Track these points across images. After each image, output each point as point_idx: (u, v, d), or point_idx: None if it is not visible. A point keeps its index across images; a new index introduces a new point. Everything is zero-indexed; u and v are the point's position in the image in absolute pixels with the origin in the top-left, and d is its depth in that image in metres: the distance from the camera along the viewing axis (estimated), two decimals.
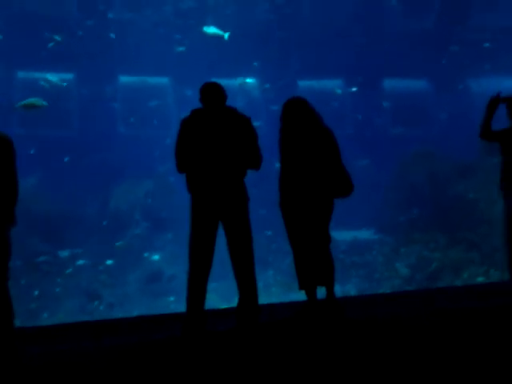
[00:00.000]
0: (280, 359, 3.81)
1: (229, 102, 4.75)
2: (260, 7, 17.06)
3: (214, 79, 4.93)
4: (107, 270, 12.85)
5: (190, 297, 4.52)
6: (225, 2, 16.51)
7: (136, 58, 15.85)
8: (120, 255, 13.14)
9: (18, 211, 3.87)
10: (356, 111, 17.99)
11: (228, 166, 4.55)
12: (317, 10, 17.22)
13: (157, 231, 14.23)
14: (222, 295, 9.67)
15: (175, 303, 10.97)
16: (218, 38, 14.80)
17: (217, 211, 4.58)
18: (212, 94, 4.64)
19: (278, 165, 4.87)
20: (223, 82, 4.83)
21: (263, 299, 4.73)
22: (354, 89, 17.73)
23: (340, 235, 11.45)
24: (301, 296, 4.95)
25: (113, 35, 15.82)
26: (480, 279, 11.37)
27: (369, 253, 13.68)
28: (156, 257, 13.45)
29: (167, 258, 13.37)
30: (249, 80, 17.58)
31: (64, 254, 13.12)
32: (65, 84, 15.63)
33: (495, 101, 5.33)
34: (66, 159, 15.44)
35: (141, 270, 13.06)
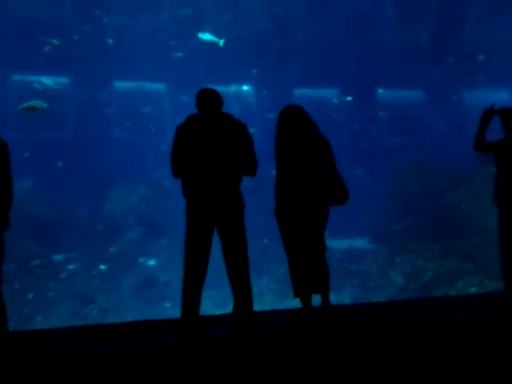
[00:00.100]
0: (274, 366, 3.80)
1: (224, 109, 4.77)
2: (257, 16, 17.16)
3: (210, 86, 4.94)
4: (101, 274, 12.80)
5: (185, 302, 4.50)
6: (222, 10, 16.58)
7: (132, 64, 15.87)
8: (114, 260, 13.09)
9: (13, 214, 3.87)
10: (352, 121, 18.06)
11: (224, 171, 4.56)
12: (314, 20, 17.33)
13: (151, 236, 14.20)
14: (216, 303, 9.64)
15: (172, 309, 10.91)
16: (214, 45, 14.85)
17: (212, 217, 4.57)
18: (208, 100, 4.66)
19: (274, 172, 4.89)
20: (219, 88, 4.86)
21: (257, 307, 4.72)
22: (350, 98, 17.82)
23: (335, 244, 11.47)
24: (295, 303, 4.95)
25: (110, 40, 15.83)
26: (474, 289, 11.40)
27: (363, 261, 13.71)
28: (152, 262, 13.42)
29: (162, 263, 13.33)
30: (244, 87, 17.64)
31: (58, 258, 13.07)
32: (59, 87, 15.61)
33: (489, 113, 5.40)
34: (59, 163, 15.38)
35: (135, 276, 13.01)
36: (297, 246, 4.77)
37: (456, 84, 18.37)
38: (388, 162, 15.73)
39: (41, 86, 15.08)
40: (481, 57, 17.58)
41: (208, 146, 4.54)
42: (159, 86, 17.78)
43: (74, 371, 3.82)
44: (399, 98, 18.74)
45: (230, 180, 4.60)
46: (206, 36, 14.99)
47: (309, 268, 4.75)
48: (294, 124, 4.78)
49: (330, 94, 18.27)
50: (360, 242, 14.52)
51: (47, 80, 15.50)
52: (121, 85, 17.45)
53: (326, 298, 4.78)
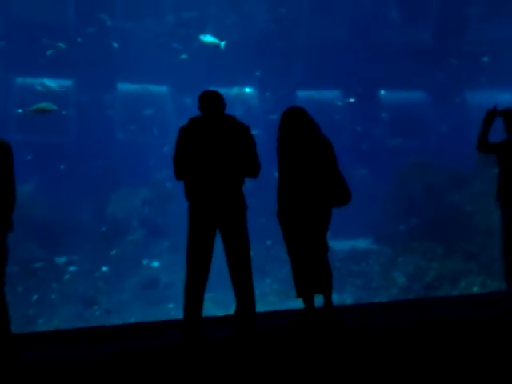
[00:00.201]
0: (277, 367, 3.81)
1: (227, 111, 4.77)
2: (260, 18, 17.17)
3: (212, 88, 4.95)
4: (104, 276, 12.82)
5: (188, 304, 4.51)
6: (226, 12, 16.61)
7: (135, 66, 15.89)
8: (117, 262, 13.10)
9: (16, 217, 3.87)
10: (354, 122, 18.05)
11: (226, 173, 4.56)
12: (317, 21, 17.34)
13: (154, 238, 14.21)
14: (219, 304, 9.65)
15: (175, 310, 10.91)
16: (217, 47, 14.87)
17: (215, 218, 4.58)
18: (211, 102, 4.66)
19: (276, 174, 4.89)
20: (222, 90, 4.86)
21: (259, 307, 4.73)
22: (352, 99, 17.82)
23: (338, 244, 11.45)
24: (298, 304, 4.95)
25: (115, 44, 15.87)
26: (476, 289, 11.39)
27: (366, 262, 13.69)
28: (155, 264, 13.44)
29: (164, 265, 13.34)
30: (247, 89, 17.65)
31: (60, 260, 13.08)
32: (62, 90, 15.65)
33: (492, 114, 5.41)
34: (62, 166, 15.41)
35: (138, 277, 13.02)
36: (299, 247, 4.77)
37: (459, 85, 18.34)
38: (390, 163, 15.72)
39: (43, 88, 15.11)
40: (485, 58, 17.57)
41: (210, 148, 4.55)
42: (162, 89, 17.80)
43: (78, 373, 3.83)
44: (402, 100, 18.72)
45: (232, 182, 4.60)
46: (208, 38, 15.01)
47: (311, 269, 4.75)
48: (296, 126, 4.78)
49: (332, 95, 18.26)
50: (362, 243, 14.50)
51: (50, 82, 15.54)
52: (124, 87, 17.48)
53: (328, 299, 4.79)
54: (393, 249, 13.98)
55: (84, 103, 16.64)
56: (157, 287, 12.83)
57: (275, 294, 11.84)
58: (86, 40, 15.90)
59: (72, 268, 12.79)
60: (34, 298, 11.63)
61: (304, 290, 4.79)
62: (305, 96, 17.08)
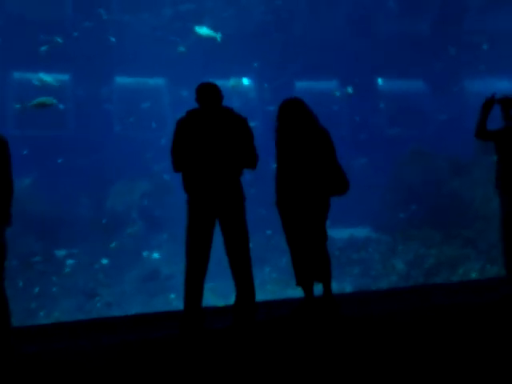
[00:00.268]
0: (277, 356, 3.82)
1: (224, 103, 4.76)
2: (257, 9, 17.09)
3: (209, 80, 4.94)
4: (104, 269, 12.84)
5: (188, 295, 4.53)
6: (222, 5, 16.53)
7: (132, 60, 15.82)
8: (117, 255, 13.13)
9: (14, 211, 3.87)
10: (352, 112, 18.02)
11: (224, 165, 4.57)
12: (314, 11, 17.26)
13: (153, 230, 14.23)
14: (218, 294, 9.67)
15: (176, 300, 10.94)
16: (213, 39, 14.79)
17: (213, 210, 4.59)
18: (208, 94, 4.65)
19: (274, 165, 4.89)
20: (219, 82, 4.85)
21: (259, 296, 4.75)
22: (350, 89, 17.77)
23: (337, 233, 11.48)
24: (297, 292, 4.97)
25: (113, 38, 15.80)
26: (475, 275, 11.43)
27: (365, 250, 13.72)
28: (156, 255, 13.48)
29: (165, 256, 13.38)
30: (245, 80, 17.59)
31: (60, 253, 13.09)
32: (59, 84, 15.59)
33: (490, 102, 5.42)
34: (60, 160, 15.40)
35: (139, 269, 13.05)
36: (298, 236, 4.79)
37: (457, 74, 18.31)
38: (389, 152, 15.74)
39: (39, 83, 15.06)
40: (485, 46, 17.52)
41: (208, 140, 4.55)
42: (159, 81, 17.76)
43: (79, 365, 3.84)
44: (400, 89, 18.69)
45: (230, 173, 4.61)
46: (203, 30, 14.92)
47: (310, 257, 4.77)
48: (294, 116, 4.78)
49: (330, 85, 18.22)
50: (362, 231, 14.52)
51: (46, 77, 15.48)
52: (121, 80, 17.43)
53: (327, 287, 4.80)
54: (392, 237, 14.00)
55: (81, 97, 16.60)
56: (158, 279, 12.87)
57: (275, 282, 11.87)
58: (82, 34, 15.81)
59: (72, 261, 12.82)
60: (36, 290, 11.66)
61: (303, 278, 4.81)
62: (303, 87, 17.04)
